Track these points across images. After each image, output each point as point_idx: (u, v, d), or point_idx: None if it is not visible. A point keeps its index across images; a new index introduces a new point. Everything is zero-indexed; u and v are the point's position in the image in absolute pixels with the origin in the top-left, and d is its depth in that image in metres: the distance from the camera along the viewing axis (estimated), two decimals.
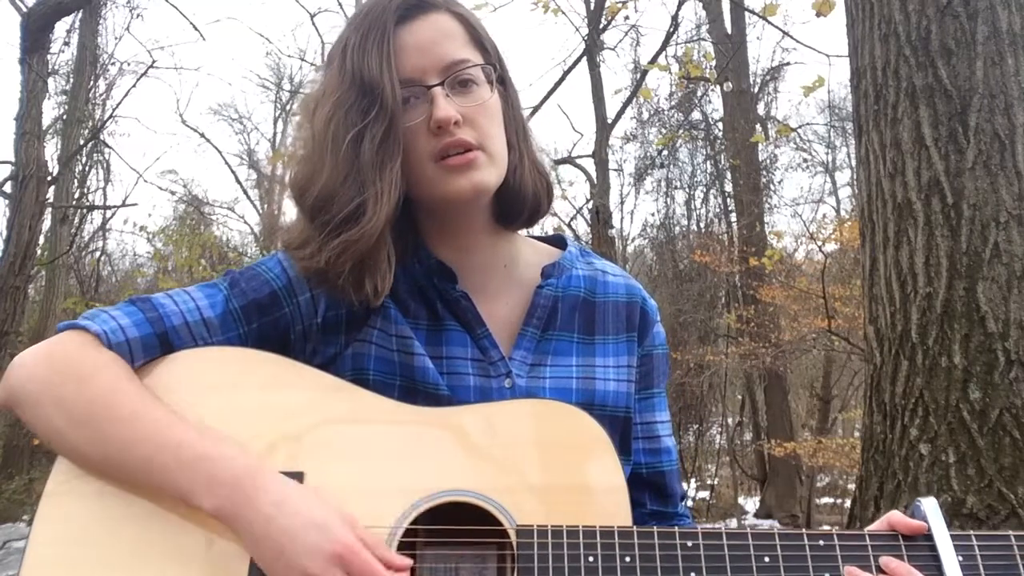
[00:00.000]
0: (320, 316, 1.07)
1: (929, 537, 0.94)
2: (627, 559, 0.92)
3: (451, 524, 0.95)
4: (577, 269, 1.19)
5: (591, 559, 0.92)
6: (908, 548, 0.93)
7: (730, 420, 15.59)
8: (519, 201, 1.12)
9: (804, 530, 0.96)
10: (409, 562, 0.89)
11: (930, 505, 0.96)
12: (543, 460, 1.00)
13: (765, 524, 12.42)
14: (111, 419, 0.94)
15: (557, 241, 1.24)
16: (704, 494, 13.74)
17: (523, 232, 1.22)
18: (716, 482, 14.79)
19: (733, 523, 12.69)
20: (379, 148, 1.00)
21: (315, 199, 1.01)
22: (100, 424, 0.94)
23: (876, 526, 0.97)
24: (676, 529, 0.95)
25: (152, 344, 1.01)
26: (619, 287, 1.20)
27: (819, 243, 10.88)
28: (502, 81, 1.12)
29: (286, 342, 1.06)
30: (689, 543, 0.93)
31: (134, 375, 0.99)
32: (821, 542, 0.94)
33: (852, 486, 11.37)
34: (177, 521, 0.93)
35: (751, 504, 14.11)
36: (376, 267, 1.01)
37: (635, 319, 1.19)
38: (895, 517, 0.96)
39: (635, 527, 0.95)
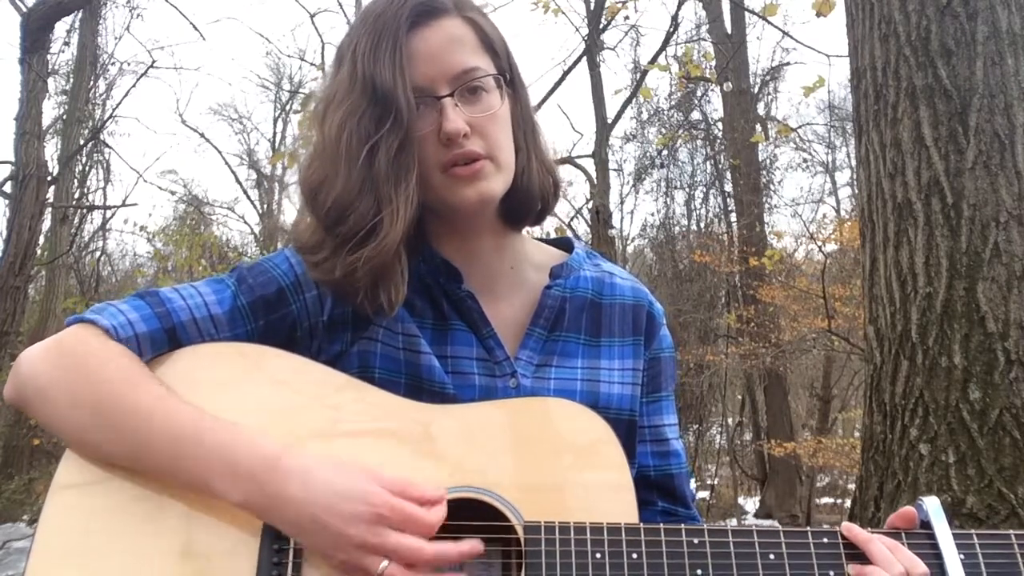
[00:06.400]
0: (326, 314, 1.07)
1: (931, 536, 0.95)
2: (634, 556, 0.92)
3: (457, 520, 0.95)
4: (585, 271, 1.19)
5: (598, 556, 0.92)
6: (912, 548, 0.94)
7: (730, 420, 15.59)
8: (527, 202, 1.12)
9: (809, 528, 0.97)
10: (443, 492, 0.92)
11: (932, 504, 0.97)
12: (549, 457, 1.00)
13: (765, 524, 12.42)
14: (126, 412, 0.94)
15: (563, 244, 1.24)
16: (704, 494, 13.73)
17: (529, 234, 1.22)
18: (716, 482, 14.78)
19: (733, 523, 12.69)
20: (395, 160, 0.99)
21: (329, 208, 1.00)
22: (115, 417, 0.94)
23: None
24: (682, 526, 0.95)
25: (160, 339, 1.02)
26: (626, 290, 1.21)
27: (819, 243, 10.89)
28: (512, 83, 1.12)
29: (292, 339, 1.06)
30: (695, 540, 0.94)
31: (145, 367, 0.99)
32: (825, 540, 0.95)
33: (852, 486, 11.37)
34: (185, 512, 0.94)
35: (751, 504, 14.10)
36: (391, 280, 1.01)
37: (642, 322, 1.19)
38: (891, 516, 0.98)
39: (642, 524, 0.95)
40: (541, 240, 1.26)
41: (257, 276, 1.07)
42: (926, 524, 0.97)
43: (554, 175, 1.15)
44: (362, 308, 1.02)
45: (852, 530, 0.95)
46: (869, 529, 0.95)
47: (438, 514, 0.89)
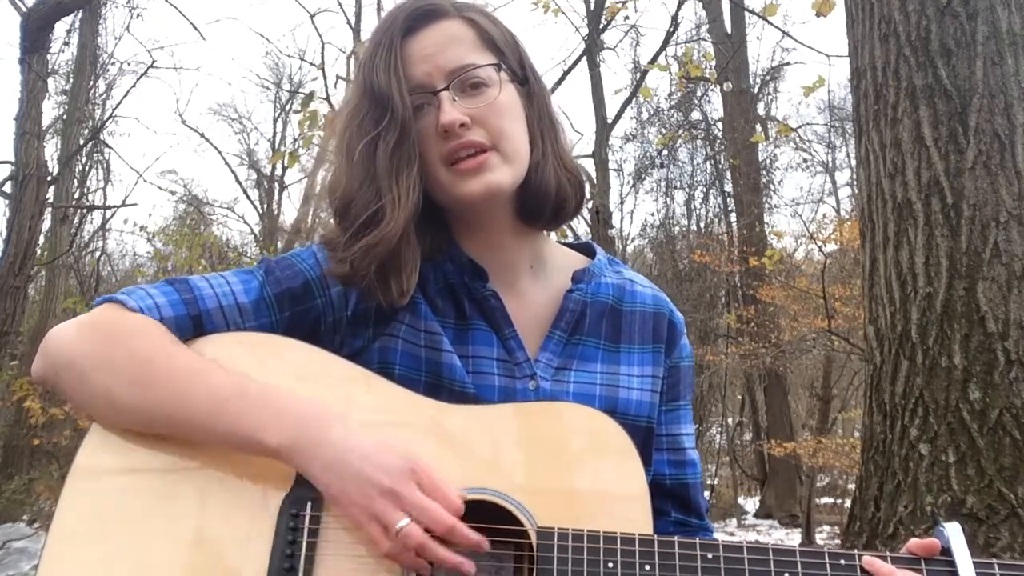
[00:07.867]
0: (351, 309, 1.09)
1: (951, 563, 0.93)
2: (647, 567, 0.92)
3: (471, 522, 0.94)
4: (606, 277, 1.19)
5: (611, 565, 0.91)
6: (930, 574, 0.92)
7: (730, 420, 15.62)
8: (541, 198, 1.11)
9: (826, 548, 0.95)
10: (459, 506, 0.91)
11: (953, 530, 0.94)
12: (567, 463, 0.99)
13: (765, 524, 12.43)
14: (165, 369, 0.97)
15: (586, 249, 1.24)
16: (704, 494, 13.75)
17: (552, 236, 1.23)
18: (716, 482, 14.80)
19: (733, 523, 12.71)
20: (392, 155, 1.03)
21: (338, 204, 1.06)
22: (158, 380, 0.96)
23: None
24: (697, 540, 0.94)
25: (185, 325, 1.03)
26: (647, 297, 1.21)
27: (819, 243, 10.89)
28: (522, 79, 1.12)
29: (316, 332, 1.08)
30: (710, 555, 0.93)
31: (176, 338, 1.01)
32: (842, 561, 0.93)
33: (852, 486, 11.37)
34: (202, 497, 0.95)
35: (751, 504, 14.12)
36: (400, 268, 1.03)
37: (662, 331, 1.20)
38: (912, 542, 0.95)
39: (656, 536, 0.94)
40: (563, 244, 1.26)
41: (284, 269, 1.09)
42: (946, 551, 0.94)
43: (576, 175, 1.15)
44: (374, 297, 1.04)
45: (874, 564, 0.93)
46: (888, 555, 0.94)
47: (458, 504, 0.91)
